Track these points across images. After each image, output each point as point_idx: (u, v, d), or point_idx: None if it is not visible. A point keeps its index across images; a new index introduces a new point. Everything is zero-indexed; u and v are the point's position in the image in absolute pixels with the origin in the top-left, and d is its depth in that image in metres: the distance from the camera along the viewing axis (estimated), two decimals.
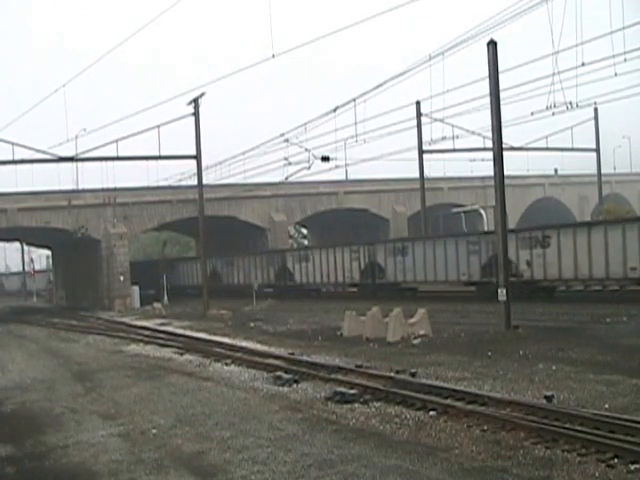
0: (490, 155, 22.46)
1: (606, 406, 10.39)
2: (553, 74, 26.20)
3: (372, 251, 35.53)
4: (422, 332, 19.89)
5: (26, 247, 76.92)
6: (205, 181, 37.34)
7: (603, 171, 51.23)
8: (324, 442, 9.53)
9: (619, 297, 25.33)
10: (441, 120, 37.22)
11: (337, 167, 38.25)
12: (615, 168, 67.08)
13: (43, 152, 33.53)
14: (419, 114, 39.88)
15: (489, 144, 25.50)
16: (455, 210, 54.22)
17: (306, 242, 71.72)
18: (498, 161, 20.87)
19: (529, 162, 60.76)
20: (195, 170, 36.10)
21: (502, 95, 21.43)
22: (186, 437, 10.37)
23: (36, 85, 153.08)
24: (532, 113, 34.16)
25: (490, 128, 21.30)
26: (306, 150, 33.88)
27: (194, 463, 9.09)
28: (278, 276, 42.94)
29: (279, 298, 39.93)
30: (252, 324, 28.09)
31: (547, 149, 47.22)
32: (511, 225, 43.11)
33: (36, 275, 78.07)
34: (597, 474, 7.70)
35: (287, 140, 34.63)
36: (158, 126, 33.39)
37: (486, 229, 42.13)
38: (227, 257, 48.35)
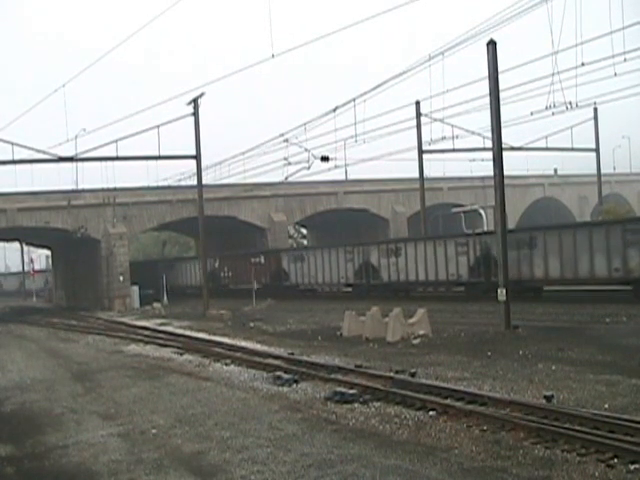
0: (490, 155, 22.45)
1: (606, 406, 10.39)
2: (553, 74, 26.21)
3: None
4: (422, 332, 19.89)
5: (26, 247, 76.91)
6: (205, 181, 37.34)
7: (603, 171, 51.22)
8: (324, 442, 9.53)
9: (618, 297, 25.36)
10: (441, 120, 37.19)
11: (337, 167, 38.29)
12: (615, 168, 67.23)
13: (43, 152, 33.52)
14: (419, 114, 39.84)
15: (489, 144, 25.49)
16: (455, 210, 54.06)
17: (306, 242, 71.73)
18: (498, 161, 20.87)
19: (529, 162, 60.97)
20: (195, 170, 36.10)
21: (502, 95, 21.44)
22: (186, 437, 10.37)
23: (36, 85, 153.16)
24: (532, 113, 34.19)
25: (490, 128, 21.29)
26: (306, 150, 33.88)
27: (194, 463, 9.08)
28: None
29: (275, 298, 39.87)
30: (252, 324, 28.09)
31: (547, 149, 47.18)
32: (511, 225, 43.09)
33: (36, 275, 78.08)
34: (597, 474, 7.70)
35: (287, 140, 34.62)
36: (158, 126, 33.39)
37: (486, 229, 42.08)
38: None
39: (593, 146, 49.25)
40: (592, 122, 47.90)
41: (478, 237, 30.20)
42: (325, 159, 34.47)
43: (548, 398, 10.81)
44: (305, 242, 72.28)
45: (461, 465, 8.24)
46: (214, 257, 49.15)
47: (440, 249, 31.46)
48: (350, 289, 38.31)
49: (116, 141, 33.01)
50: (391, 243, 35.66)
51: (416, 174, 42.03)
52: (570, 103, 30.91)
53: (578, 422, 9.42)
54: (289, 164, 35.42)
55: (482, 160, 41.13)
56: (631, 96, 32.58)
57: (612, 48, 25.07)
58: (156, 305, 41.89)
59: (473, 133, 39.66)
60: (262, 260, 42.72)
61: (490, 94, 20.96)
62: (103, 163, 35.97)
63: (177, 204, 48.25)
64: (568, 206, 67.55)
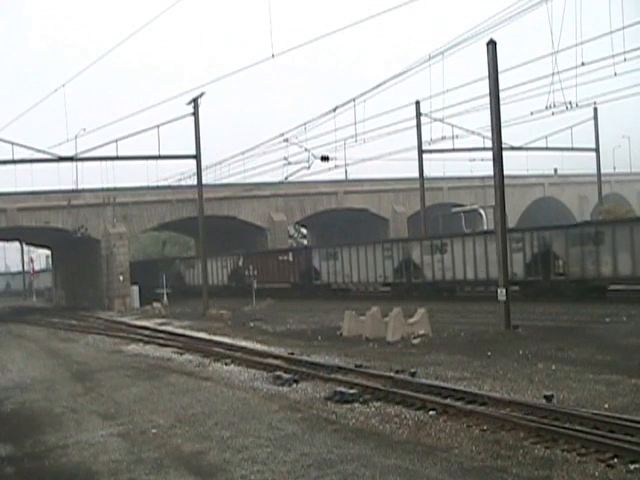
0: (490, 155, 22.47)
1: (606, 406, 10.39)
2: (553, 74, 26.23)
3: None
4: (422, 332, 19.91)
5: (26, 247, 76.91)
6: (205, 181, 37.35)
7: (603, 171, 51.26)
8: (324, 442, 9.52)
9: (619, 297, 25.34)
10: (441, 120, 37.19)
11: (337, 167, 38.20)
12: (615, 168, 67.29)
13: (43, 152, 33.53)
14: (419, 114, 39.84)
15: (489, 144, 25.50)
16: (455, 210, 54.21)
17: (305, 242, 71.74)
18: (498, 161, 20.88)
19: (529, 162, 61.04)
20: (195, 170, 36.12)
21: (502, 95, 21.46)
22: (186, 437, 10.37)
23: (36, 85, 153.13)
24: (532, 113, 34.24)
25: (490, 128, 21.31)
26: (306, 150, 33.91)
27: (194, 463, 9.08)
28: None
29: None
30: (252, 324, 28.10)
31: (547, 149, 47.20)
32: (511, 225, 43.01)
33: (36, 275, 78.05)
34: (597, 474, 7.70)
35: (287, 140, 34.66)
36: (158, 126, 33.39)
37: (485, 229, 42.06)
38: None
39: (593, 146, 49.28)
40: (592, 122, 47.96)
41: (536, 232, 27.98)
42: (325, 159, 34.46)
43: (548, 398, 10.81)
44: (305, 242, 72.28)
45: (461, 465, 8.24)
46: (238, 255, 46.87)
47: (492, 245, 28.13)
48: (389, 288, 35.68)
49: (116, 141, 33.04)
50: (436, 239, 32.91)
51: (416, 174, 42.03)
52: (570, 103, 30.93)
53: (578, 422, 9.42)
54: (289, 164, 35.49)
55: (482, 160, 41.11)
56: (631, 96, 32.65)
57: (612, 48, 25.12)
58: (156, 305, 41.90)
59: (473, 133, 39.69)
60: (290, 258, 40.89)
61: (490, 94, 20.97)
62: (103, 163, 36.01)
63: (177, 204, 48.25)
64: (568, 206, 67.56)
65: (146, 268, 54.17)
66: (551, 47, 31.00)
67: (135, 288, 46.15)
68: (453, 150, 41.43)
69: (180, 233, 70.14)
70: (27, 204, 43.94)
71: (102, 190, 44.68)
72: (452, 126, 37.73)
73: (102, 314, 41.45)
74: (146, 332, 27.97)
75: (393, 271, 34.44)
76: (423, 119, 39.85)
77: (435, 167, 74.89)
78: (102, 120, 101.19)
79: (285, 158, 35.60)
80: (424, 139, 40.23)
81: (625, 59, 25.54)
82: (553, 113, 31.65)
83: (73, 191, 44.84)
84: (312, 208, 54.21)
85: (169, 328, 28.85)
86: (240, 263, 45.83)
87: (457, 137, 38.47)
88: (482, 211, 50.59)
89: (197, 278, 48.80)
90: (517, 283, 28.45)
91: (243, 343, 21.35)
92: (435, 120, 38.12)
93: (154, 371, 17.28)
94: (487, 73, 20.94)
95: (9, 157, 32.40)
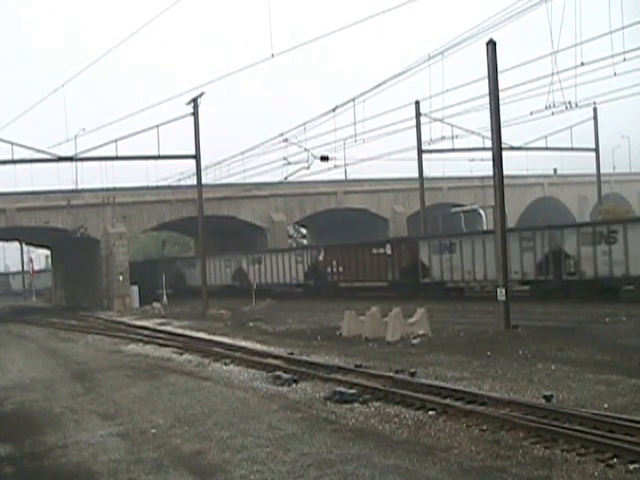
0: (489, 155, 22.49)
1: (605, 406, 10.39)
2: (552, 74, 26.26)
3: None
4: (421, 332, 19.91)
5: (25, 247, 76.87)
6: (204, 181, 37.34)
7: (602, 171, 51.26)
8: (323, 442, 9.52)
9: (618, 297, 25.32)
10: (440, 120, 37.18)
11: (336, 167, 38.09)
12: (614, 168, 67.27)
13: (42, 152, 33.53)
14: (418, 114, 39.84)
15: (488, 144, 25.51)
16: (454, 210, 54.22)
17: (305, 242, 71.71)
18: (497, 161, 20.88)
19: (528, 162, 60.97)
20: (194, 170, 36.13)
21: (501, 95, 21.45)
22: (185, 437, 10.37)
23: (36, 85, 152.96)
24: (531, 113, 34.22)
25: (489, 128, 21.32)
26: (305, 150, 33.89)
27: (193, 463, 9.08)
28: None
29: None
30: (251, 324, 28.10)
31: (546, 149, 47.23)
32: (511, 225, 42.99)
33: (35, 275, 77.98)
34: (596, 474, 7.70)
35: (286, 140, 34.64)
36: (157, 126, 33.39)
37: (485, 229, 41.99)
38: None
39: (593, 146, 49.30)
40: (592, 122, 47.97)
41: None
42: (325, 159, 34.42)
43: (547, 398, 10.82)
44: (305, 242, 72.25)
45: (461, 465, 8.24)
46: (317, 248, 41.45)
47: None
48: (527, 288, 29.10)
49: (116, 141, 33.04)
50: (600, 226, 26.38)
51: (415, 174, 42.03)
52: (570, 103, 30.93)
53: (578, 422, 9.42)
54: (289, 164, 35.47)
55: (482, 160, 41.10)
56: (631, 96, 32.62)
57: (612, 48, 25.11)
58: (156, 305, 41.87)
59: (473, 133, 39.70)
60: (388, 251, 34.84)
61: (490, 94, 20.97)
62: (103, 163, 36.08)
63: (177, 204, 48.22)
64: (568, 206, 67.56)
65: (146, 268, 54.11)
66: (551, 47, 31.10)
67: (135, 288, 46.14)
68: (453, 150, 41.45)
69: (180, 233, 70.11)
70: (27, 204, 43.91)
71: (102, 190, 44.66)
72: (452, 126, 37.76)
73: (102, 314, 41.43)
74: (146, 332, 27.97)
75: (535, 266, 27.94)
76: (423, 119, 39.86)
77: (435, 167, 74.75)
78: (102, 120, 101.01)
79: (285, 158, 35.61)
80: (424, 139, 40.25)
81: (625, 59, 25.53)
82: (553, 113, 31.67)
83: (73, 191, 44.81)
84: (312, 208, 54.21)
85: (169, 328, 28.84)
86: (320, 258, 39.71)
87: (457, 137, 38.53)
88: (482, 211, 50.61)
89: (265, 275, 43.28)
90: None
91: (243, 343, 21.35)
92: (435, 120, 38.13)
93: (154, 371, 17.28)
94: (487, 73, 20.94)
95: (9, 157, 32.41)
